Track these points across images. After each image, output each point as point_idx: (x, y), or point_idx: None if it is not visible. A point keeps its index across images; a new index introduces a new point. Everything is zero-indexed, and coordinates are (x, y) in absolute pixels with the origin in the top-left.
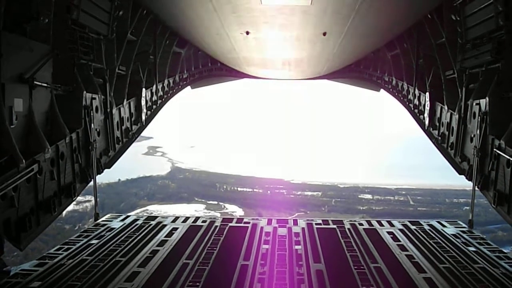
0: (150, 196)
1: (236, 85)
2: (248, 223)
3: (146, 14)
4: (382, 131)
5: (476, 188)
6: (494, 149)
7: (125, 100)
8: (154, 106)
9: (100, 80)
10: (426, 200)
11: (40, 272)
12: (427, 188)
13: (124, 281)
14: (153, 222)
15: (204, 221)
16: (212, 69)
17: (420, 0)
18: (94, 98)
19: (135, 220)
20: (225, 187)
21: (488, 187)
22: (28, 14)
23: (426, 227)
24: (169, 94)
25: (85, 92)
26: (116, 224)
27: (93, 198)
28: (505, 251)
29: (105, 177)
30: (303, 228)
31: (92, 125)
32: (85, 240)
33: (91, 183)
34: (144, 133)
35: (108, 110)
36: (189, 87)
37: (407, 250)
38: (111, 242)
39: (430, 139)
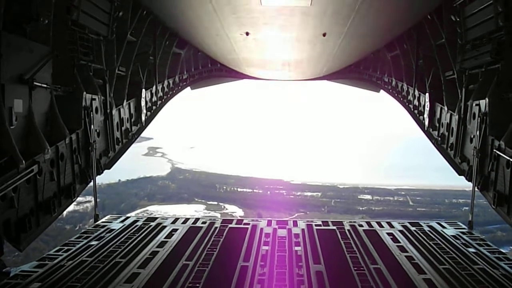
0: (150, 197)
1: (236, 86)
2: (248, 224)
3: (146, 15)
4: (381, 132)
5: (476, 189)
6: (494, 150)
7: (125, 101)
8: (154, 107)
9: (100, 81)
10: (425, 200)
11: (40, 273)
12: (427, 188)
13: (124, 282)
14: (153, 223)
15: (204, 222)
16: (212, 70)
17: (420, 1)
18: (94, 99)
19: (135, 221)
20: (225, 187)
21: (488, 188)
22: (28, 15)
23: (426, 228)
24: (169, 95)
25: (85, 93)
26: (116, 225)
27: (93, 199)
28: (504, 251)
29: (105, 178)
30: (302, 229)
31: (92, 126)
32: (85, 241)
33: (91, 184)
34: (144, 134)
35: (108, 111)
36: (189, 88)
37: (407, 251)
38: (111, 243)
39: (430, 140)
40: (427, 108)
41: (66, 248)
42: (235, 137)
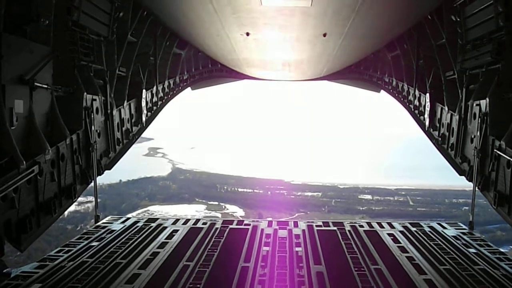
0: (151, 197)
1: (236, 86)
2: (249, 225)
3: (146, 15)
4: (382, 132)
5: (476, 189)
6: (495, 150)
7: (125, 101)
8: (155, 107)
9: (101, 82)
10: (425, 200)
11: (41, 274)
12: (427, 188)
13: (125, 283)
14: (154, 224)
15: (204, 223)
16: (212, 70)
17: (420, 1)
18: (95, 100)
19: (136, 222)
20: (225, 187)
21: (488, 188)
22: (29, 15)
23: (427, 229)
24: (169, 95)
25: (85, 93)
26: (117, 226)
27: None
28: (503, 250)
29: (106, 178)
30: (303, 230)
31: (93, 126)
32: (86, 242)
33: (92, 184)
34: (145, 134)
35: (109, 111)
36: (189, 88)
37: (408, 252)
38: (111, 244)
39: (431, 140)
40: (427, 108)
41: (66, 249)
42: (236, 137)
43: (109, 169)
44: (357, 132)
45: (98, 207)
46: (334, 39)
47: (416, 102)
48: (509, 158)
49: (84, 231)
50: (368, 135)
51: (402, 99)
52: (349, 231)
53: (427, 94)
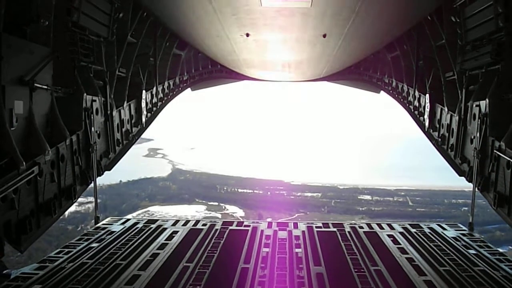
0: (151, 197)
1: (236, 87)
2: (249, 226)
3: (146, 16)
4: (381, 132)
5: (476, 190)
6: (494, 151)
7: (125, 102)
8: (155, 108)
9: (100, 82)
10: (425, 201)
11: (41, 275)
12: (426, 189)
13: (125, 284)
14: (154, 226)
15: (204, 224)
16: (212, 71)
17: (420, 2)
18: (95, 100)
19: (136, 223)
20: (225, 188)
21: (488, 189)
22: (28, 16)
23: (426, 230)
24: (169, 96)
25: (85, 94)
26: (117, 227)
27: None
28: (502, 250)
29: (106, 179)
30: (303, 231)
31: (92, 127)
32: (86, 243)
33: (92, 185)
34: (145, 135)
35: (108, 112)
36: (189, 89)
37: (407, 253)
38: (111, 245)
39: (430, 141)
40: (427, 109)
41: (66, 250)
42: (236, 138)
43: (109, 170)
44: (356, 133)
45: (98, 208)
46: (334, 39)
47: (416, 103)
48: (509, 158)
49: (84, 232)
50: (368, 135)
51: (402, 100)
52: (348, 232)
53: (427, 95)
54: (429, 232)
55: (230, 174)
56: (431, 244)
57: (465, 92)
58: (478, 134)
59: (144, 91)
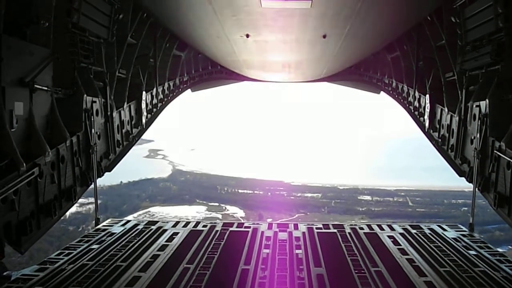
0: (152, 198)
1: (236, 87)
2: (249, 227)
3: (146, 17)
4: (381, 133)
5: (476, 190)
6: (495, 151)
7: (125, 103)
8: (155, 109)
9: (101, 84)
10: (425, 201)
11: (41, 277)
12: (426, 189)
13: (125, 286)
14: (154, 227)
15: (204, 226)
16: (212, 72)
17: (420, 2)
18: (95, 102)
19: (136, 224)
20: (226, 189)
21: (488, 189)
22: (28, 17)
23: (427, 231)
24: (169, 97)
25: (85, 95)
26: (117, 229)
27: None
28: (502, 250)
29: (107, 180)
30: (303, 233)
31: (93, 128)
32: (86, 245)
33: (92, 186)
34: (145, 136)
35: (109, 113)
36: (189, 90)
37: (408, 254)
38: (112, 247)
39: (430, 141)
40: (427, 110)
41: (67, 251)
42: (236, 139)
43: (109, 171)
44: (356, 133)
45: (99, 209)
46: (334, 40)
47: (416, 104)
48: (509, 159)
49: (84, 233)
50: (368, 135)
51: (402, 100)
52: (349, 233)
53: (427, 95)
54: (430, 233)
55: (230, 174)
56: (431, 245)
57: (465, 92)
58: (478, 135)
59: (144, 92)
